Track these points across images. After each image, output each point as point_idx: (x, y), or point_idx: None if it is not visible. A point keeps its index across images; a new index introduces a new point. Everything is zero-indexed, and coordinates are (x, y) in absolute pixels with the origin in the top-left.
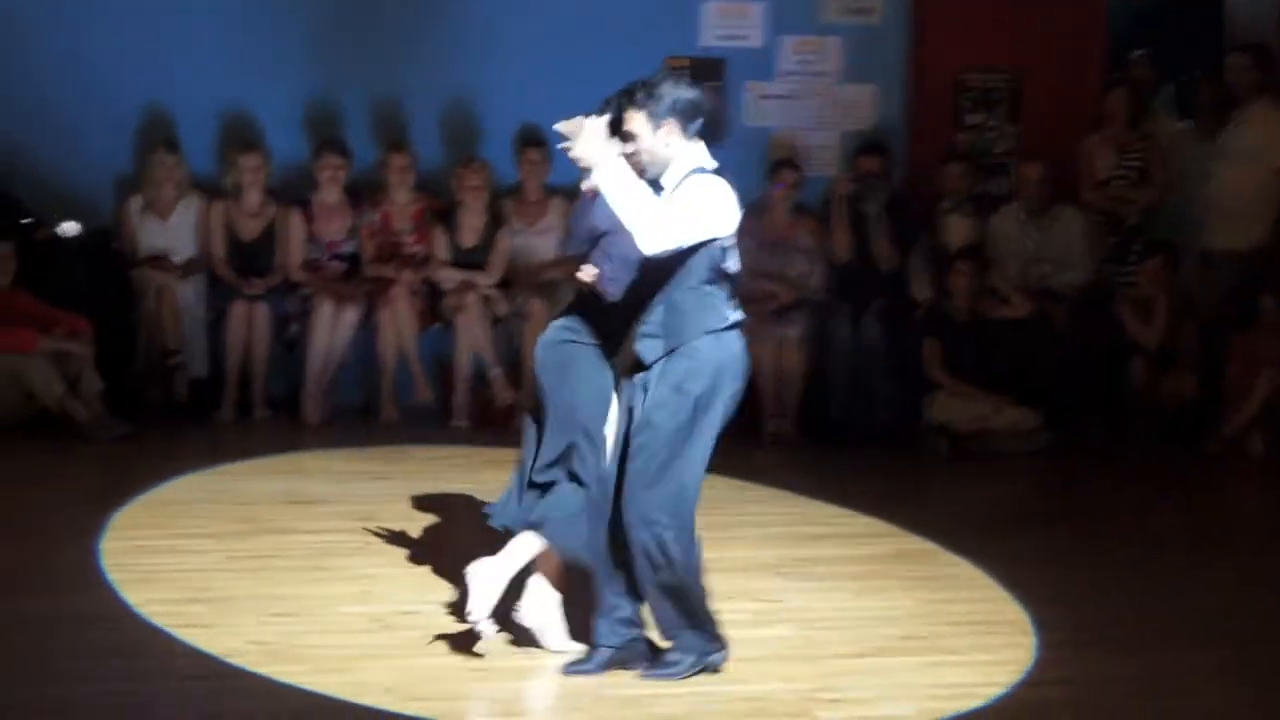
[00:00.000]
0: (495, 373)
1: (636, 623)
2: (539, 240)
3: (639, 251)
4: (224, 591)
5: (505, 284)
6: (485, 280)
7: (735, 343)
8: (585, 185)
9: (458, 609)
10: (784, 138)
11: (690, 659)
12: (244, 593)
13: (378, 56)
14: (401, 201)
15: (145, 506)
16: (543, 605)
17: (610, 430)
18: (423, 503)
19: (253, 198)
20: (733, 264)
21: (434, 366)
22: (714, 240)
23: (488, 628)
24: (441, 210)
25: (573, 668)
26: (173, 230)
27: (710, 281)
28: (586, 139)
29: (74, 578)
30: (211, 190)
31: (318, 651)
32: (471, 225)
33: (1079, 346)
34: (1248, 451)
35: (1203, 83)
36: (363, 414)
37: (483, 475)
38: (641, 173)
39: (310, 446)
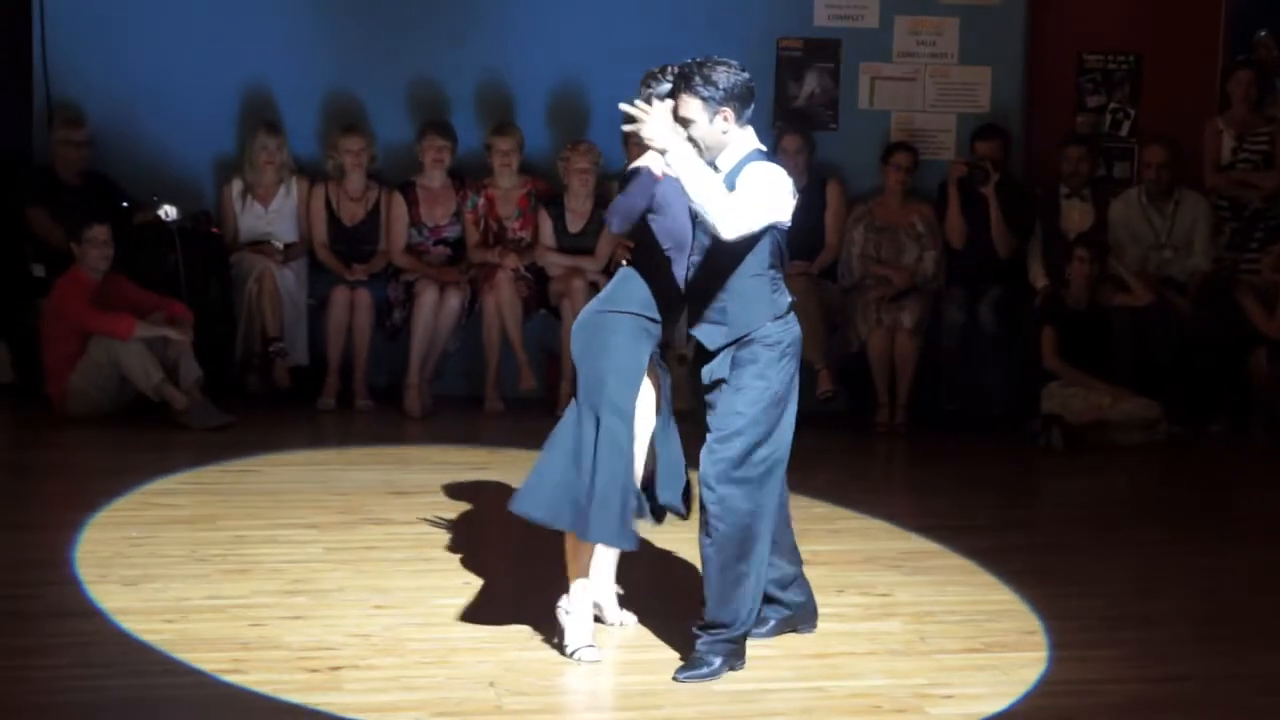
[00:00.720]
0: None
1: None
2: None
3: (685, 232)
4: (325, 583)
5: (612, 270)
6: (592, 266)
7: (796, 326)
8: (660, 168)
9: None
10: (900, 121)
11: (719, 660)
12: (344, 584)
13: (484, 37)
14: (507, 185)
15: (244, 497)
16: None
17: (643, 404)
18: None
19: (355, 181)
20: (786, 250)
21: (539, 355)
22: (776, 226)
23: (590, 654)
24: (548, 194)
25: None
26: (274, 214)
27: (772, 267)
28: (656, 122)
29: (172, 568)
30: (313, 174)
31: (418, 644)
32: (578, 209)
33: (1200, 335)
34: None
35: None
36: (466, 404)
37: None
38: (704, 154)
39: (412, 437)
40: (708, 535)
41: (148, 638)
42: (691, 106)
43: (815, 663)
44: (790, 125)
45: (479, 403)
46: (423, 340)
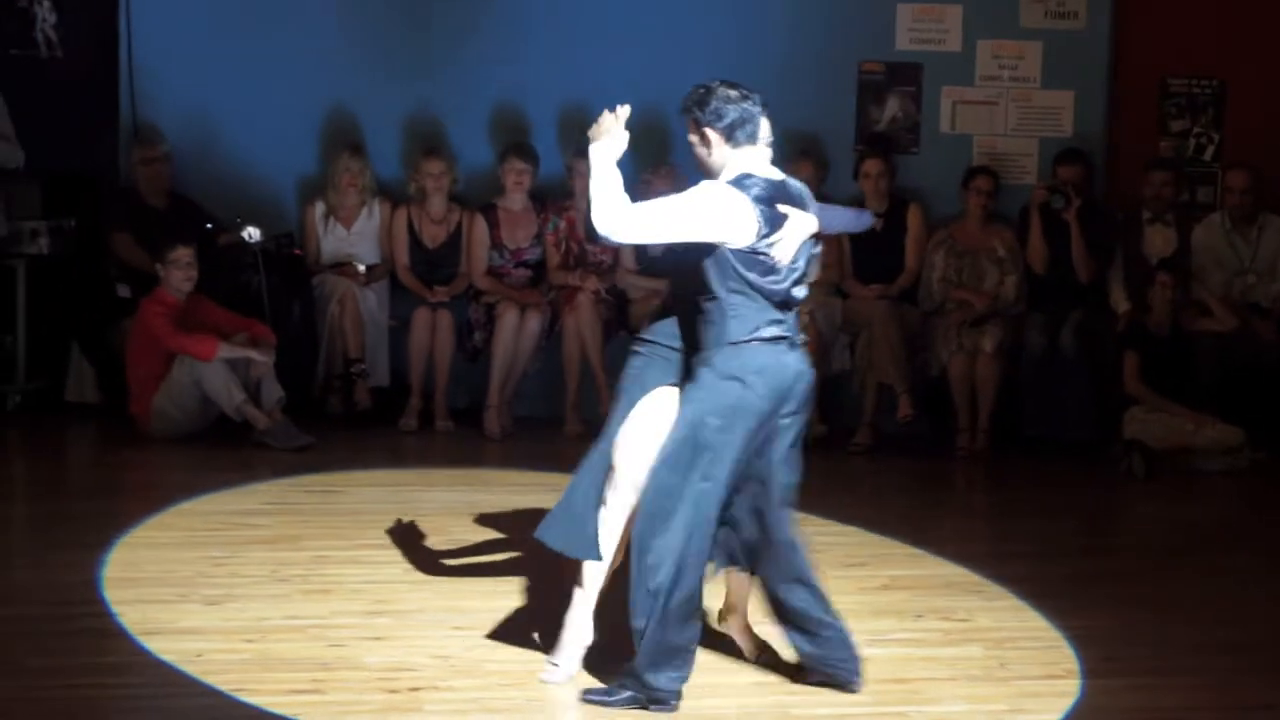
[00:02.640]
0: None
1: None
2: None
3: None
4: (406, 604)
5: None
6: None
7: (759, 355)
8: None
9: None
10: (981, 145)
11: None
12: (424, 605)
13: (567, 60)
14: (587, 208)
15: (325, 517)
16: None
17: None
18: None
19: (437, 203)
20: (762, 279)
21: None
22: (720, 249)
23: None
24: None
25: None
26: (356, 236)
27: (737, 293)
28: (606, 120)
29: (253, 588)
30: (396, 196)
31: (498, 666)
32: None
33: None
34: None
35: None
36: (546, 426)
37: None
38: (709, 176)
39: (491, 458)
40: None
41: (227, 657)
42: (689, 127)
43: (896, 687)
44: (871, 149)
45: (559, 425)
46: (503, 362)
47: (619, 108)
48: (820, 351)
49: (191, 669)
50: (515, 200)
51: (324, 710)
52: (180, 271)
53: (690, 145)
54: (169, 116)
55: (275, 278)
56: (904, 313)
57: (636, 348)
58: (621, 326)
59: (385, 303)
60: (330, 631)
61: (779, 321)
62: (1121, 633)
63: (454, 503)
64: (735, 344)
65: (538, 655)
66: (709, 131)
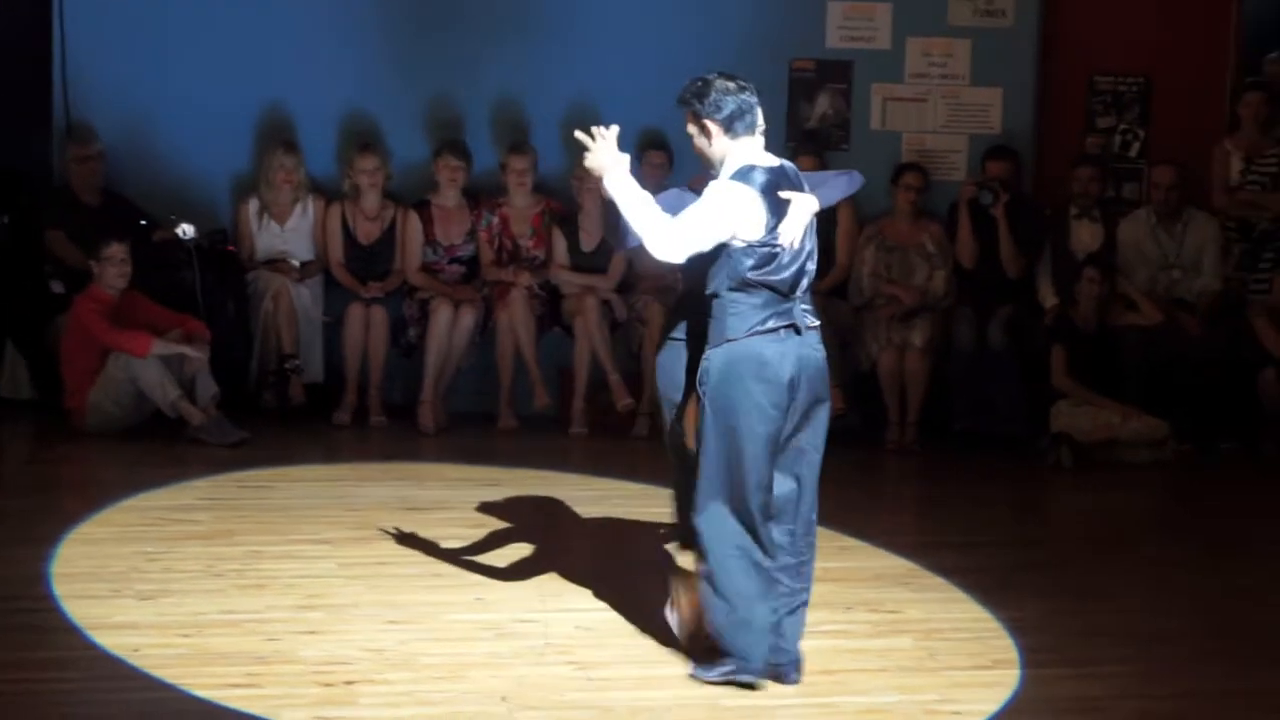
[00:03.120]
0: (614, 379)
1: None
2: None
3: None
4: (340, 598)
5: (625, 288)
6: (605, 284)
7: (756, 347)
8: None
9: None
10: (911, 142)
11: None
12: (358, 600)
13: (498, 57)
14: (521, 204)
15: (260, 512)
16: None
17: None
18: (539, 511)
19: (371, 200)
20: (765, 271)
21: (552, 372)
22: (730, 246)
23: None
24: (561, 213)
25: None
26: (290, 233)
27: (734, 289)
28: (600, 150)
29: (188, 583)
30: (330, 193)
31: (431, 659)
32: (591, 228)
33: (1209, 355)
34: None
35: None
36: (480, 421)
37: (600, 483)
38: (710, 169)
39: (426, 453)
40: None
41: (163, 651)
42: (687, 120)
43: (825, 679)
44: (803, 146)
45: (492, 419)
46: (437, 357)
47: (608, 129)
48: None
49: (125, 664)
50: (449, 197)
51: (260, 704)
52: (114, 268)
53: (689, 137)
54: (102, 114)
55: (209, 274)
56: (834, 308)
57: (668, 344)
58: (554, 322)
59: (319, 299)
60: (265, 626)
61: (781, 313)
62: (1051, 623)
63: (388, 498)
64: (732, 340)
65: (471, 649)
66: (709, 123)
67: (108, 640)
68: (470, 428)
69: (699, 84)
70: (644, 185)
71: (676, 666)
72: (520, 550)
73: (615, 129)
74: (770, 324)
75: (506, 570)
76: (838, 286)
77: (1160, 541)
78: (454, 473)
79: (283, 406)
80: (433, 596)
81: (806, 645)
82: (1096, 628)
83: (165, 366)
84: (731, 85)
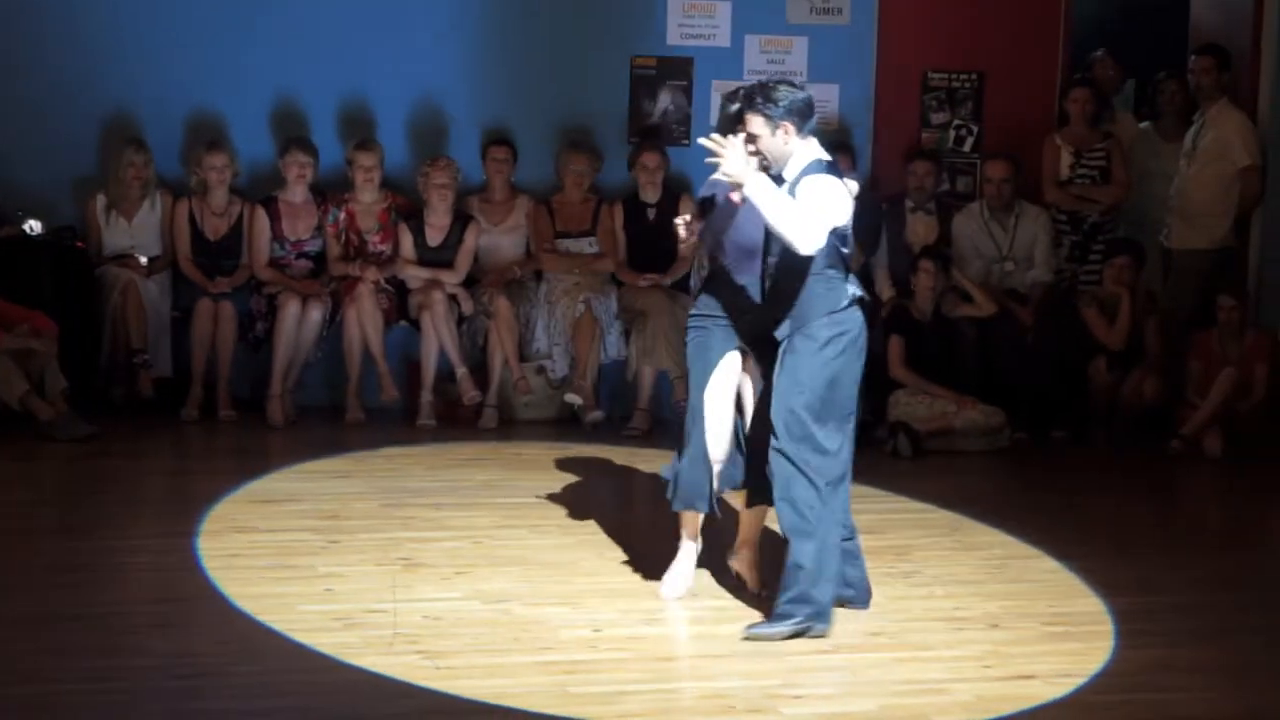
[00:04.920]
0: (461, 372)
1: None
2: (505, 239)
3: (755, 242)
4: (189, 591)
5: (471, 283)
6: (451, 279)
7: (851, 318)
8: (735, 196)
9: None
10: None
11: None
12: (208, 592)
13: (345, 54)
14: (368, 200)
15: (108, 507)
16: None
17: (719, 396)
18: (388, 502)
19: (218, 196)
20: (848, 248)
21: (400, 366)
22: (834, 230)
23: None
24: (407, 209)
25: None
26: (138, 229)
27: (832, 267)
28: (734, 156)
29: (46, 578)
30: (177, 189)
31: (283, 649)
32: (437, 224)
33: (1042, 345)
34: (1205, 451)
35: (1164, 83)
36: (328, 414)
37: (448, 474)
38: (766, 169)
39: (275, 446)
40: None
41: (13, 647)
42: (755, 123)
43: (669, 665)
44: (649, 141)
45: (340, 412)
46: (285, 352)
47: (732, 138)
48: (597, 339)
49: None
50: (296, 193)
51: (109, 699)
52: None
53: (753, 138)
54: None
55: (57, 270)
56: (678, 301)
57: (694, 324)
58: (401, 316)
59: (167, 293)
60: (117, 620)
61: (856, 285)
62: (884, 607)
63: (237, 491)
64: (833, 313)
65: (327, 640)
66: (786, 124)
67: None
68: (318, 421)
69: (767, 89)
70: (489, 180)
71: (525, 655)
72: (369, 541)
73: (741, 136)
74: (857, 294)
75: (357, 561)
76: (681, 280)
77: (993, 527)
78: (303, 466)
79: (131, 401)
80: (283, 588)
81: (652, 632)
82: (935, 612)
83: (13, 362)
84: (794, 88)
